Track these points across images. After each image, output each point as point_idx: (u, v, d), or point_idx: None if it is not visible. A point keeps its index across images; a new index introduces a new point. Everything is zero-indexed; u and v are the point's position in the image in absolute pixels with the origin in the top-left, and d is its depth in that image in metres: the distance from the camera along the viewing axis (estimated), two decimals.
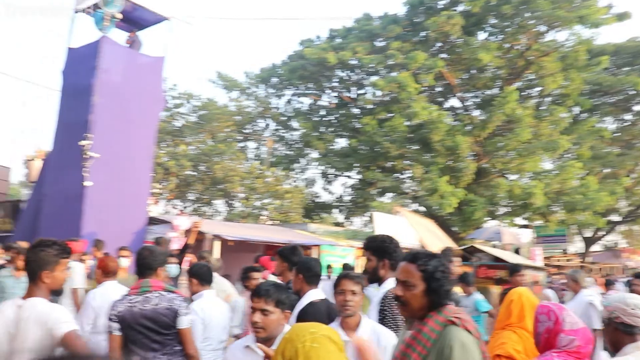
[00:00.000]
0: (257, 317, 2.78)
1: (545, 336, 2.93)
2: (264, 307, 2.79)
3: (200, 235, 12.52)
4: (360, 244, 14.54)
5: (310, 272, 3.91)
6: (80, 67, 12.22)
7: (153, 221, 12.71)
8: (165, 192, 23.25)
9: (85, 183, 11.14)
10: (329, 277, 10.07)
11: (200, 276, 4.68)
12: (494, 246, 15.90)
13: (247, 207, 24.79)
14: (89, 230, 10.83)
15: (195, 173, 24.31)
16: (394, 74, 24.60)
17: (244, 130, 30.25)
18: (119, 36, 13.18)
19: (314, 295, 3.83)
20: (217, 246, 12.58)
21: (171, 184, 22.65)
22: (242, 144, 30.35)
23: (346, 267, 11.83)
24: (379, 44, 26.90)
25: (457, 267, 4.71)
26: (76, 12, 13.08)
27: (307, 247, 15.13)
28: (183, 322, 3.70)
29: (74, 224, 10.99)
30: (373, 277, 3.69)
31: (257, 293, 2.86)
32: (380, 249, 3.71)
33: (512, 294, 3.92)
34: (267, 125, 31.66)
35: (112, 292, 4.73)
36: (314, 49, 26.53)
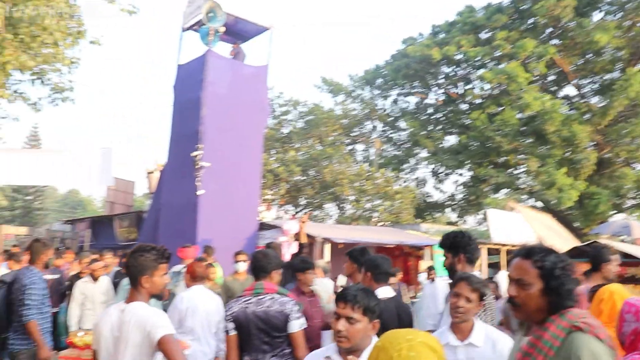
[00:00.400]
0: (342, 324, 2.48)
1: (632, 338, 2.67)
2: (349, 315, 2.48)
3: (311, 239, 12.58)
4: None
5: (378, 270, 3.90)
6: (189, 81, 12.72)
7: (264, 227, 12.95)
8: (277, 198, 23.71)
9: (198, 192, 11.54)
10: (432, 280, 9.62)
11: None
12: (622, 241, 14.75)
13: (357, 210, 24.73)
14: (204, 238, 11.19)
15: (304, 178, 24.60)
16: (502, 65, 23.60)
17: (351, 133, 30.28)
18: (224, 49, 13.61)
19: (382, 293, 3.77)
20: (327, 249, 12.58)
21: (282, 189, 23.08)
22: (350, 147, 30.39)
23: None
24: (484, 35, 25.94)
25: (616, 266, 4.31)
26: (183, 30, 13.63)
27: (419, 248, 14.81)
28: (294, 326, 3.72)
29: (189, 232, 11.42)
30: (452, 273, 3.67)
31: (344, 298, 2.52)
32: (454, 245, 3.74)
33: (603, 292, 3.65)
34: (374, 126, 31.48)
35: (198, 296, 4.97)
36: (417, 47, 26.07)
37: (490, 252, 13.93)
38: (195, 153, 11.66)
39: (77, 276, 7.43)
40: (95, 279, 6.99)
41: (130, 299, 2.90)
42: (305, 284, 5.07)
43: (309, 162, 24.12)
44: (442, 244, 3.82)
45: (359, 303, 2.50)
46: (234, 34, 13.58)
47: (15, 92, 14.22)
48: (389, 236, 15.22)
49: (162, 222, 12.54)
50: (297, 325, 3.73)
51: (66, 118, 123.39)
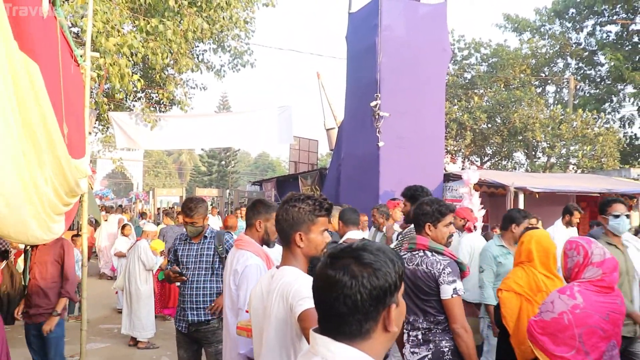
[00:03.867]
0: None
1: (575, 270, 3.17)
2: None
3: (503, 190, 11.53)
4: None
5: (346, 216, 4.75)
6: (362, 29, 12.15)
7: (450, 177, 12.15)
8: (461, 148, 22.52)
9: (379, 143, 11.03)
10: None
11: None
12: None
13: (551, 157, 22.61)
14: (386, 190, 10.72)
15: (491, 125, 23.02)
16: None
17: (541, 74, 27.67)
18: None
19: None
20: (521, 199, 11.40)
21: (466, 139, 21.81)
22: (540, 89, 27.81)
23: None
24: None
25: None
26: None
27: (630, 197, 12.92)
28: (446, 292, 3.19)
29: (371, 185, 11.04)
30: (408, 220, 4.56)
31: None
32: (413, 197, 4.59)
33: (524, 237, 4.09)
34: (567, 64, 28.38)
35: None
36: None
37: None
38: (373, 103, 11.12)
39: None
40: None
41: (282, 262, 2.30)
42: None
43: (495, 108, 22.45)
44: (403, 194, 4.84)
45: None
46: None
47: (201, 61, 14.75)
48: (592, 184, 13.48)
49: (343, 176, 12.31)
50: (449, 290, 3.17)
51: (250, 82, 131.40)
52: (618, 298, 3.20)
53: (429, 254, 3.32)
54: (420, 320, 3.29)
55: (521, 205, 11.16)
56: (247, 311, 3.15)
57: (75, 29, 10.84)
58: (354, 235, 4.55)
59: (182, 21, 10.97)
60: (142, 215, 13.98)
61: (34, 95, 2.71)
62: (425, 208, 3.45)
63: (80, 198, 5.03)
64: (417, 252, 3.36)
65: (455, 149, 22.66)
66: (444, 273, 3.20)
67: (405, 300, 3.12)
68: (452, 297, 3.18)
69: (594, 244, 3.18)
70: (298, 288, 2.06)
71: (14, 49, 2.44)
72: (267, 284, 2.26)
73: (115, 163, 19.21)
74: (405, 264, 3.25)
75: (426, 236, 3.40)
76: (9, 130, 2.36)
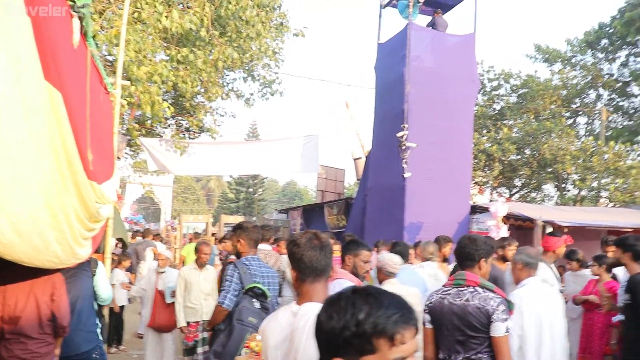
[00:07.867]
0: None
1: None
2: None
3: (529, 223, 11.33)
4: None
5: None
6: (391, 59, 12.22)
7: (477, 210, 11.99)
8: (489, 180, 22.27)
9: (405, 174, 10.98)
10: None
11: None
12: None
13: (581, 189, 22.20)
14: (412, 222, 10.64)
15: (520, 157, 22.75)
16: None
17: (571, 105, 27.35)
18: (424, 22, 12.85)
19: None
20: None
21: (495, 170, 21.57)
22: (570, 120, 27.47)
23: None
24: None
25: None
26: (382, 7, 13.15)
27: None
28: (498, 329, 3.17)
29: (397, 216, 10.96)
30: None
31: None
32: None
33: None
34: (599, 95, 28.04)
35: None
36: None
37: None
38: (400, 134, 11.11)
39: None
40: None
41: (309, 298, 2.20)
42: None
43: (524, 139, 22.20)
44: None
45: None
46: (434, 3, 12.72)
47: (231, 90, 14.95)
48: (624, 218, 13.15)
49: (369, 206, 12.25)
50: (502, 328, 3.17)
51: (279, 111, 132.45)
52: None
53: (479, 290, 3.29)
54: (461, 357, 3.27)
55: None
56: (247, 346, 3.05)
57: (110, 57, 11.12)
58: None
59: (212, 51, 11.17)
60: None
61: (57, 124, 2.77)
62: (480, 244, 3.45)
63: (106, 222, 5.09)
64: (465, 288, 3.32)
65: (484, 180, 22.42)
66: (498, 310, 3.19)
67: (447, 336, 3.26)
68: (504, 334, 3.19)
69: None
70: None
71: (41, 77, 2.50)
72: (288, 321, 2.19)
73: (144, 188, 19.44)
74: (452, 299, 3.31)
75: (476, 271, 3.39)
76: (39, 158, 2.40)
